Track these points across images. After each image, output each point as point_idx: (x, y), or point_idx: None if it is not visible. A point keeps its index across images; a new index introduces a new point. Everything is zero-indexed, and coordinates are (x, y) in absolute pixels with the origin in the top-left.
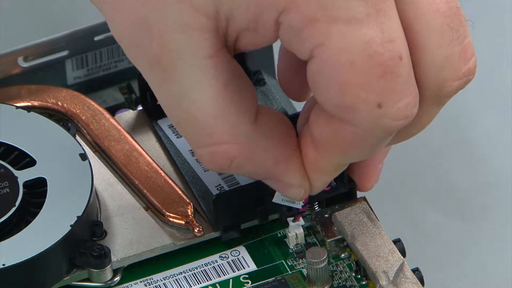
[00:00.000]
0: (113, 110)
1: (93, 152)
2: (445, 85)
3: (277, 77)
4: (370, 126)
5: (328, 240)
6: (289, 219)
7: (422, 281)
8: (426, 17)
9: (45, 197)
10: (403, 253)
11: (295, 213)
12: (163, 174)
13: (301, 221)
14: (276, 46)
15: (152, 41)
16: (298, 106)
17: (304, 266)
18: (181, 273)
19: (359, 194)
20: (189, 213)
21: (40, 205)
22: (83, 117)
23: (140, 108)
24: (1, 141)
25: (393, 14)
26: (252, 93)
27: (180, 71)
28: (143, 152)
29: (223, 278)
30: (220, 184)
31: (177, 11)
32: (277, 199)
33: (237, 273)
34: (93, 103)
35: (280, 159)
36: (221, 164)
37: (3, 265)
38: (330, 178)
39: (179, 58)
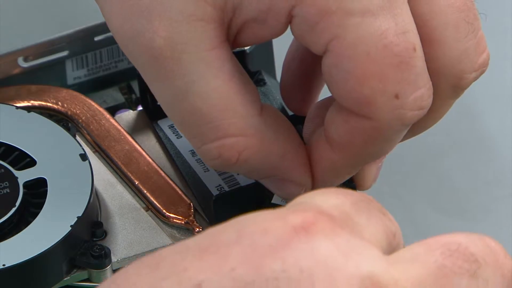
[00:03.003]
0: (113, 110)
1: (93, 152)
2: (463, 77)
3: (280, 92)
4: (388, 117)
5: None
6: None
7: None
8: (442, 12)
9: (45, 197)
10: None
11: None
12: (163, 174)
13: None
14: (276, 46)
15: (154, 33)
16: None
17: None
18: None
19: None
20: (189, 213)
21: (40, 205)
22: (83, 117)
23: (140, 108)
24: (1, 141)
25: (405, 7)
26: (254, 86)
27: (184, 63)
28: (143, 153)
29: None
30: (220, 185)
31: (181, 1)
32: (276, 200)
33: None
34: (93, 103)
35: (286, 153)
36: (228, 158)
37: (3, 265)
38: (340, 181)
39: (183, 50)
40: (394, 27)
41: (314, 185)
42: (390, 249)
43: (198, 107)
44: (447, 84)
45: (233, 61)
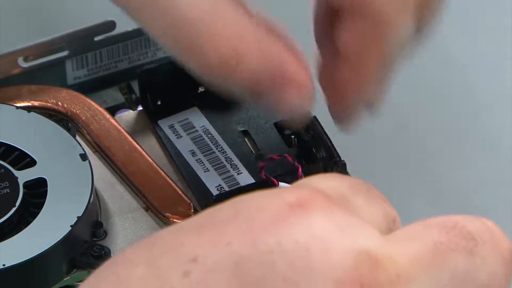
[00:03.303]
0: (113, 110)
1: (93, 152)
2: None
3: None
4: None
5: None
6: None
7: None
8: None
9: (45, 197)
10: None
11: None
12: (163, 174)
13: None
14: None
15: None
16: None
17: None
18: None
19: None
20: (189, 213)
21: (40, 205)
22: (83, 117)
23: (140, 108)
24: (1, 141)
25: None
26: None
27: None
28: (143, 153)
29: None
30: (220, 184)
31: None
32: None
33: None
34: (93, 103)
35: (285, 52)
36: (227, 61)
37: (3, 265)
38: (359, 97)
39: None
40: None
41: (337, 105)
42: (388, 232)
43: (188, 14)
44: None
45: None
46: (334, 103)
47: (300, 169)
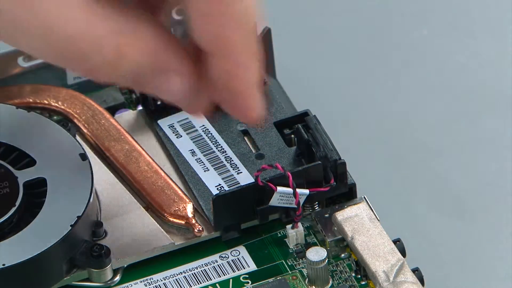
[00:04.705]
0: (113, 110)
1: (93, 152)
2: None
3: None
4: None
5: (328, 240)
6: (288, 226)
7: (422, 281)
8: None
9: (45, 197)
10: (403, 253)
11: (293, 218)
12: (163, 174)
13: (300, 228)
14: (276, 47)
15: None
16: (298, 107)
17: (304, 266)
18: (181, 273)
19: (359, 194)
20: (189, 213)
21: (40, 205)
22: (83, 117)
23: (140, 108)
24: (1, 141)
25: None
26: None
27: (32, 2)
28: (143, 152)
29: (223, 278)
30: (220, 184)
31: None
32: (274, 201)
33: (237, 273)
34: (93, 103)
35: (162, 41)
36: (110, 59)
37: (3, 265)
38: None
39: None
40: None
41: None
42: None
43: (66, 32)
44: None
45: None
46: (231, 103)
47: (290, 177)
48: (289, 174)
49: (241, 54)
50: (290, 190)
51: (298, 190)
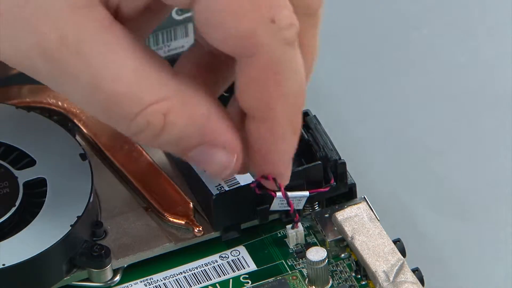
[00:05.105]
0: None
1: (93, 152)
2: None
3: None
4: (273, 43)
5: (328, 240)
6: (288, 226)
7: (422, 281)
8: None
9: (45, 197)
10: (403, 253)
11: (292, 218)
12: (163, 174)
13: (300, 228)
14: None
15: (45, 39)
16: None
17: (304, 266)
18: (181, 273)
19: (359, 194)
20: (189, 213)
21: (40, 205)
22: (83, 117)
23: None
24: (1, 141)
25: None
26: (159, 55)
27: (85, 55)
28: (143, 152)
29: (223, 278)
30: (220, 184)
31: None
32: (274, 206)
33: (237, 273)
34: None
35: (210, 113)
36: (156, 124)
37: (3, 265)
38: (281, 147)
39: (79, 41)
40: None
41: (256, 166)
42: None
43: (114, 90)
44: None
45: (129, 36)
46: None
47: (282, 188)
48: (281, 184)
49: (282, 126)
50: (289, 193)
51: (298, 193)
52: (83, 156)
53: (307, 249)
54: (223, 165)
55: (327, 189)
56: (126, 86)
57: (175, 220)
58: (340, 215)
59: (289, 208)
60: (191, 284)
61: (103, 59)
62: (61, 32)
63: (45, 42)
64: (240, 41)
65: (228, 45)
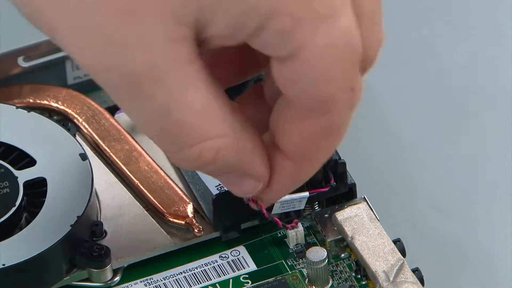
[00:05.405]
0: (113, 110)
1: (93, 152)
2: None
3: None
4: (344, 108)
5: (328, 240)
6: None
7: (422, 281)
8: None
9: (45, 197)
10: (403, 253)
11: (293, 218)
12: (163, 174)
13: (300, 228)
14: None
15: (135, 61)
16: None
17: (304, 266)
18: (181, 273)
19: (359, 194)
20: (189, 213)
21: (40, 205)
22: (83, 117)
23: None
24: (1, 141)
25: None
26: (221, 87)
27: (167, 83)
28: (143, 152)
29: (223, 278)
30: (220, 184)
31: (157, 25)
32: (276, 210)
33: (237, 273)
34: (93, 103)
35: (255, 147)
36: (206, 158)
37: (3, 265)
38: (300, 185)
39: (165, 71)
40: (350, 24)
41: (272, 193)
42: None
43: (181, 119)
44: (371, 62)
45: (206, 69)
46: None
47: (264, 210)
48: (262, 206)
49: (309, 172)
50: (289, 195)
51: (298, 195)
52: (83, 156)
53: (307, 249)
54: (249, 191)
55: (327, 189)
56: (194, 117)
57: (175, 220)
58: (340, 215)
59: (292, 209)
60: (191, 284)
61: (183, 89)
62: (151, 59)
63: (130, 65)
64: (318, 102)
65: (307, 103)
